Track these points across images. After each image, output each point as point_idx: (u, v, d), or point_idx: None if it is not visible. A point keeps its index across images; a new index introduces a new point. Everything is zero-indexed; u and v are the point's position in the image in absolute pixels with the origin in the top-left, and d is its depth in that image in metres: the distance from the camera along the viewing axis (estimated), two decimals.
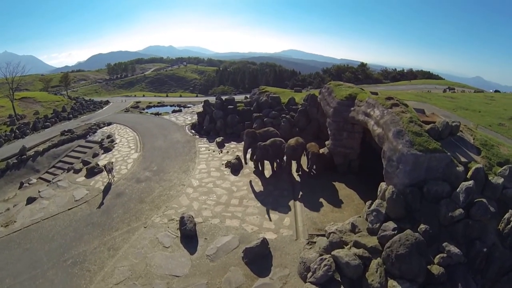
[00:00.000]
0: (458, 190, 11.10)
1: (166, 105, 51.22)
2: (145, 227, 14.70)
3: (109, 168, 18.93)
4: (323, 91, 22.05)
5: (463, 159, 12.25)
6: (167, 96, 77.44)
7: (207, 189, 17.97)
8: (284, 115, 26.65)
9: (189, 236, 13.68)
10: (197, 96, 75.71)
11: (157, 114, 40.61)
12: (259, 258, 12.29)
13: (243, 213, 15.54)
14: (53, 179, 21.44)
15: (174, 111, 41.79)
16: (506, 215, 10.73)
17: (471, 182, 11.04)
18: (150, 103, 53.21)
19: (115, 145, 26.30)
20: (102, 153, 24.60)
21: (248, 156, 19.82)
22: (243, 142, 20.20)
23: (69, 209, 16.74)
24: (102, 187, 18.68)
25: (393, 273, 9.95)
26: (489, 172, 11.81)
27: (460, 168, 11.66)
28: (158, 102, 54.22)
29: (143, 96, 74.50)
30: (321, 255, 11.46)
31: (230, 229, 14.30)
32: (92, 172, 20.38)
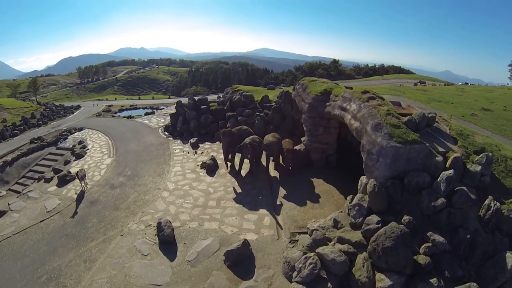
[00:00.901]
0: (438, 179, 10.91)
1: (139, 108, 49.32)
2: (121, 235, 13.71)
3: (81, 176, 17.67)
4: (297, 87, 21.56)
5: (441, 149, 12.15)
6: (139, 98, 74.89)
7: (183, 192, 17.12)
8: (257, 113, 26.02)
9: (167, 242, 12.86)
10: (169, 98, 73.71)
11: (129, 117, 38.90)
12: (241, 260, 11.68)
13: (221, 214, 14.86)
14: (23, 190, 19.80)
15: (147, 114, 40.21)
16: (486, 201, 10.75)
17: (451, 171, 10.90)
18: (122, 106, 51.04)
19: (87, 151, 24.75)
20: (74, 160, 23.06)
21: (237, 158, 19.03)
22: (217, 142, 19.66)
23: (41, 221, 15.39)
24: (75, 196, 17.37)
25: (380, 266, 9.65)
26: (467, 161, 11.75)
27: (439, 158, 11.54)
28: (131, 105, 52.11)
29: (115, 99, 71.65)
30: (305, 253, 10.97)
31: (209, 232, 13.59)
32: (64, 180, 18.98)
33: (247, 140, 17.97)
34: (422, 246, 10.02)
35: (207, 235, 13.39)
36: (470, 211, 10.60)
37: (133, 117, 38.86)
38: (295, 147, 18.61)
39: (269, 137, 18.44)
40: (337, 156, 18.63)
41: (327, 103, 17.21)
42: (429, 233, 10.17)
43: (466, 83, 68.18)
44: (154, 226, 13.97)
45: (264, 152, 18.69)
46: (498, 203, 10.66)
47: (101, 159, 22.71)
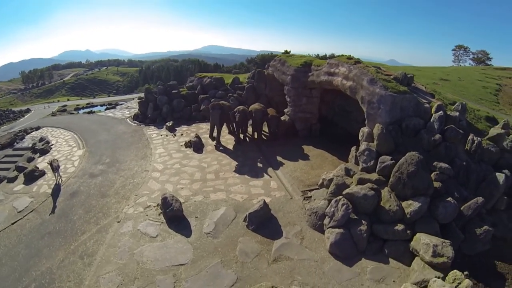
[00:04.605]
0: (431, 120, 10.90)
1: (96, 105, 42.82)
2: (118, 222, 10.68)
3: (55, 166, 13.73)
4: (274, 63, 20.09)
5: (424, 101, 12.07)
6: (94, 97, 66.22)
7: (175, 170, 14.34)
8: (230, 94, 23.56)
9: (176, 218, 10.27)
10: (126, 95, 66.20)
11: (90, 112, 33.31)
12: (264, 222, 9.73)
13: (225, 185, 12.63)
14: None
15: (108, 108, 34.83)
16: (470, 137, 10.82)
17: (440, 112, 10.93)
18: (78, 105, 43.67)
19: (52, 146, 19.99)
20: (39, 156, 18.38)
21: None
22: (194, 125, 18.02)
23: (12, 224, 11.46)
24: (50, 190, 13.41)
25: (405, 194, 9.18)
26: (446, 109, 11.69)
27: (427, 105, 11.54)
28: (87, 103, 45.12)
29: (68, 100, 62.16)
30: (330, 200, 9.43)
31: (219, 202, 11.32)
32: (32, 176, 14.68)
33: (240, 107, 16.53)
34: (433, 174, 9.63)
35: (218, 205, 11.07)
36: (459, 145, 10.73)
37: (94, 112, 33.34)
38: (280, 117, 17.52)
39: (255, 106, 17.22)
40: (320, 125, 17.88)
41: (309, 74, 16.54)
42: (435, 163, 10.01)
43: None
44: (154, 207, 11.24)
45: (250, 122, 17.30)
46: (478, 138, 10.94)
47: (71, 151, 18.39)
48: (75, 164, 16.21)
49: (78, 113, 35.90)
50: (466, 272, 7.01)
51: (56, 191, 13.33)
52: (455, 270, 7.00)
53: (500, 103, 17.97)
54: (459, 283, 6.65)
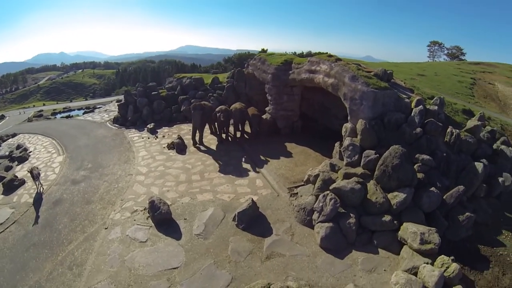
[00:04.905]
0: (412, 114, 11.21)
1: (74, 109, 41.51)
2: (106, 228, 10.42)
3: (36, 174, 13.18)
4: (254, 62, 20.06)
5: (404, 96, 12.41)
6: (71, 101, 63.99)
7: (160, 173, 14.15)
8: (210, 94, 23.47)
9: (165, 221, 10.14)
10: (103, 98, 64.37)
11: (68, 117, 32.27)
12: (253, 220, 9.76)
13: (211, 185, 12.57)
14: None
15: (86, 112, 33.86)
16: (449, 129, 11.30)
17: (420, 106, 11.31)
18: (54, 110, 42.25)
19: (30, 153, 19.23)
20: (17, 164, 17.60)
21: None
22: (175, 126, 18.17)
23: None
24: (31, 200, 12.88)
25: (390, 186, 9.46)
26: (425, 104, 12.09)
27: (407, 100, 11.89)
28: (64, 108, 43.68)
29: (44, 105, 59.79)
30: (317, 195, 9.61)
31: (206, 203, 11.26)
32: (11, 186, 14.01)
33: (222, 107, 16.42)
34: (416, 165, 10.05)
35: (205, 206, 11.00)
36: (439, 137, 11.15)
37: (72, 116, 32.27)
38: (262, 116, 17.62)
39: (236, 105, 17.19)
40: (302, 122, 18.07)
41: (290, 72, 16.65)
42: (417, 155, 10.32)
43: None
44: (141, 211, 11.03)
45: (232, 121, 17.35)
46: (457, 130, 11.40)
47: (50, 158, 17.75)
48: (56, 171, 15.67)
49: (56, 118, 34.78)
50: (452, 257, 7.34)
51: (38, 200, 12.83)
52: (442, 255, 7.35)
53: (475, 96, 18.81)
54: (447, 267, 7.02)
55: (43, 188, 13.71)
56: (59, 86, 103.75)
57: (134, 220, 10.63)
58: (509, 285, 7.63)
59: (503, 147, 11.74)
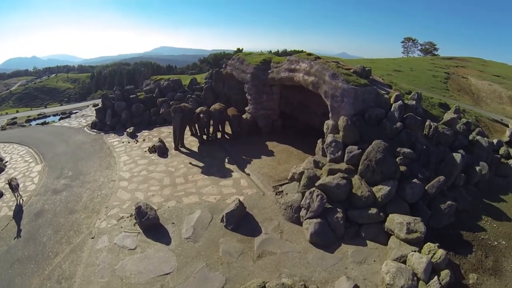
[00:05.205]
0: (392, 110, 11.58)
1: (49, 115, 40.03)
2: (92, 238, 10.13)
3: (15, 185, 12.61)
4: (233, 62, 20.00)
5: (383, 92, 12.77)
6: (45, 107, 61.48)
7: (143, 177, 13.89)
8: (189, 95, 23.21)
9: (153, 227, 9.99)
10: (79, 102, 62.38)
11: (44, 123, 31.06)
12: (241, 220, 9.83)
13: (196, 188, 12.50)
14: None
15: (62, 118, 32.69)
16: (427, 123, 11.79)
17: (399, 101, 11.72)
18: (29, 116, 40.48)
19: (6, 163, 18.36)
20: None
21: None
22: (155, 129, 18.07)
23: None
24: (11, 213, 12.30)
25: (375, 180, 9.72)
26: (403, 99, 12.51)
27: (386, 96, 12.25)
28: (39, 114, 41.95)
29: (17, 112, 57.15)
30: (303, 192, 9.82)
31: (193, 205, 11.20)
32: None
33: (202, 108, 16.35)
34: (398, 159, 10.40)
35: (192, 209, 10.93)
36: (418, 131, 11.62)
37: (48, 123, 31.07)
38: (242, 116, 17.70)
39: (215, 106, 17.14)
40: (282, 121, 18.33)
41: (269, 71, 16.75)
42: (398, 149, 10.68)
43: None
44: (128, 217, 10.81)
45: (211, 122, 17.29)
46: (434, 123, 11.88)
47: (28, 167, 17.03)
48: (35, 181, 15.05)
49: (31, 125, 33.42)
50: (437, 244, 7.68)
51: (18, 213, 12.27)
52: (428, 243, 7.70)
53: (450, 90, 19.63)
54: (434, 254, 7.38)
55: (22, 200, 13.14)
56: (32, 91, 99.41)
57: (121, 227, 10.39)
58: (492, 267, 8.07)
59: (478, 137, 12.34)
